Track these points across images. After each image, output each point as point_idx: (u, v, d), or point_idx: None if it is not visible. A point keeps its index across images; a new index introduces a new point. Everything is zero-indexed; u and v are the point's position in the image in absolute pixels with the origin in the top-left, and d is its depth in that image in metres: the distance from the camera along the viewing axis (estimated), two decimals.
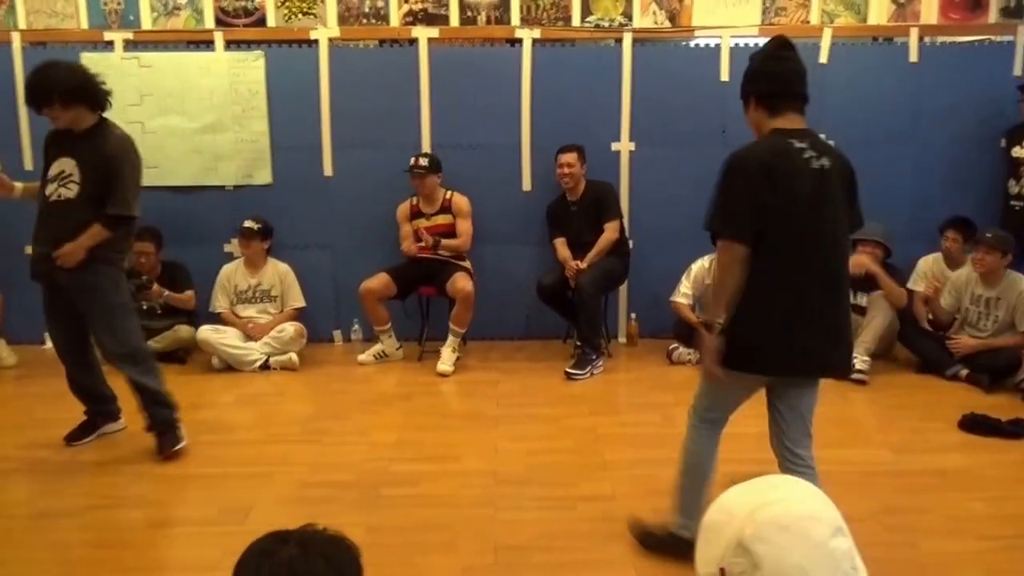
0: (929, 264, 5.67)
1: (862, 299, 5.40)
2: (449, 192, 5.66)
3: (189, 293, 5.71)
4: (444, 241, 5.56)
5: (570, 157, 5.56)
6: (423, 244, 5.50)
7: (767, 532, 1.12)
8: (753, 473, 1.24)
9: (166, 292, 5.59)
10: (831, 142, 2.91)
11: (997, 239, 5.05)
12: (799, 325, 2.65)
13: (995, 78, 5.85)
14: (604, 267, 5.51)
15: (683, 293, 5.58)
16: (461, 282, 5.44)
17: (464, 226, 5.64)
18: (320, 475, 3.81)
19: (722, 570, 1.15)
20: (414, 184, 5.60)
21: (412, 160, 5.56)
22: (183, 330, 5.60)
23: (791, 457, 2.82)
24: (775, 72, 2.72)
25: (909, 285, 5.56)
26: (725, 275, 2.66)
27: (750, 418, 4.06)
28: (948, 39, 6.05)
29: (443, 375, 5.34)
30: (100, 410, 4.24)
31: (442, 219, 5.64)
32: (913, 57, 5.88)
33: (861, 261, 5.24)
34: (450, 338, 5.51)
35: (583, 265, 5.46)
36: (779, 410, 2.84)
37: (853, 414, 4.71)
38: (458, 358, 5.52)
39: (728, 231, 2.64)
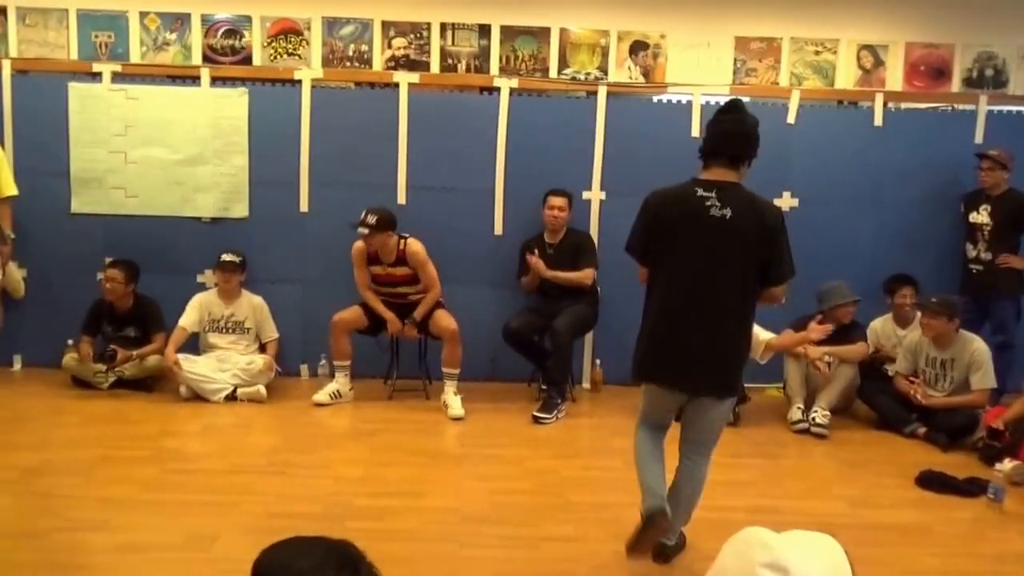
0: (879, 327, 5.74)
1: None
2: (402, 242, 5.46)
3: (159, 339, 5.63)
4: (418, 309, 5.47)
5: (560, 201, 5.69)
6: (407, 334, 5.54)
7: (730, 542, 1.37)
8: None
9: (134, 353, 5.56)
10: (776, 200, 3.05)
11: (941, 305, 5.08)
12: (658, 345, 3.23)
13: (956, 145, 6.02)
14: (578, 312, 5.59)
15: None
16: (444, 320, 5.46)
17: (427, 273, 5.48)
18: (286, 506, 3.82)
19: None
20: (362, 242, 5.42)
21: (361, 215, 5.33)
22: (151, 359, 5.59)
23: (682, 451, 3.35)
24: (709, 132, 3.25)
25: None
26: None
27: (714, 467, 4.09)
28: (912, 105, 6.26)
29: (459, 419, 5.26)
30: None
31: (400, 270, 5.50)
32: (878, 121, 6.07)
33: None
34: (447, 383, 5.45)
35: (548, 274, 5.60)
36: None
37: (813, 467, 4.79)
38: (463, 397, 5.44)
39: (628, 250, 3.35)
